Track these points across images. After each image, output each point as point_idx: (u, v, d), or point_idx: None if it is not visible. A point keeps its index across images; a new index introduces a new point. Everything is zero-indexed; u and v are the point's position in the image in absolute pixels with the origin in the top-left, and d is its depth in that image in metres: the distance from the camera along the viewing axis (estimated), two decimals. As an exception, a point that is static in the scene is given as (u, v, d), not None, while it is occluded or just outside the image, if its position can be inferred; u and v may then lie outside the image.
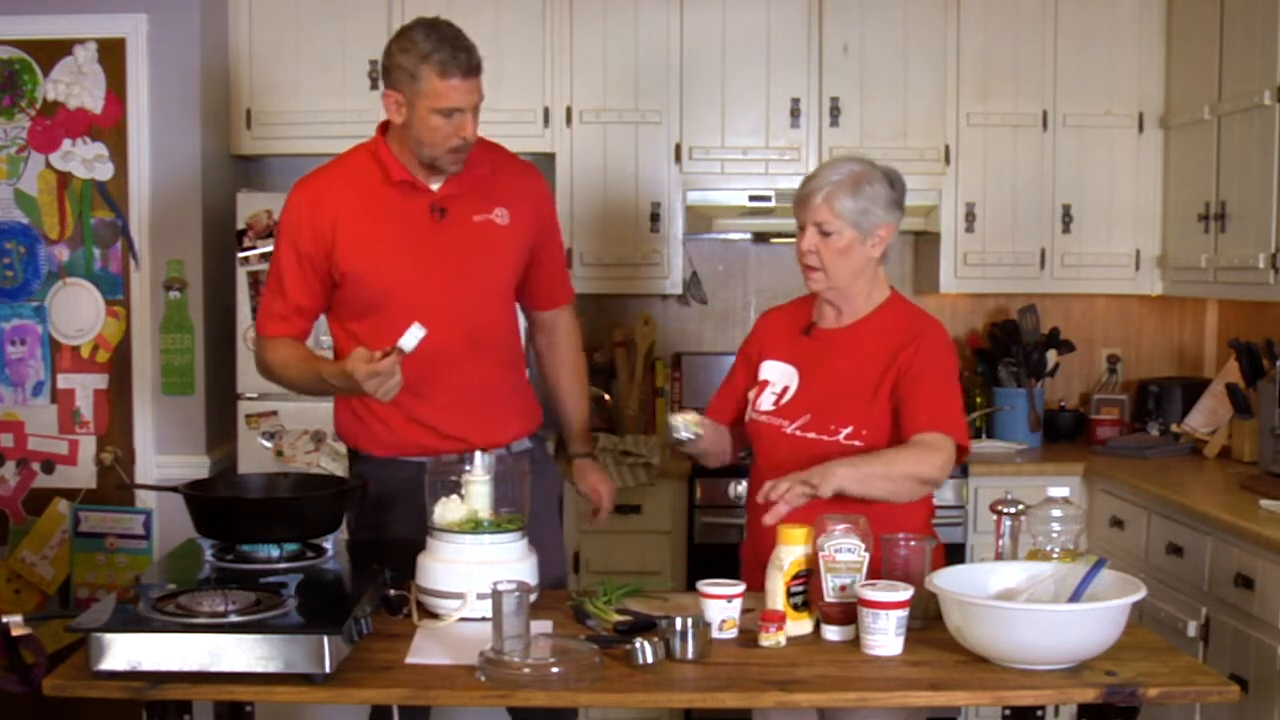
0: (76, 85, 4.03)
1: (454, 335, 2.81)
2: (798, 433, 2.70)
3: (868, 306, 2.77)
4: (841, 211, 2.66)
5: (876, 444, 2.66)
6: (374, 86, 4.30)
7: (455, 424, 2.83)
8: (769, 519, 2.46)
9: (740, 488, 3.91)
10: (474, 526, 2.50)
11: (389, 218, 2.82)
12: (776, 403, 2.76)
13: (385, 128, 2.86)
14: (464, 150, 2.77)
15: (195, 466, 3.98)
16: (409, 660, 2.25)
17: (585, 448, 3.17)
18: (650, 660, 2.20)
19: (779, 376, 2.78)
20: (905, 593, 2.28)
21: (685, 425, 2.70)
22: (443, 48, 2.69)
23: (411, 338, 2.54)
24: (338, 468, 3.99)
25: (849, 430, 2.67)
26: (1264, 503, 3.38)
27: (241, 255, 4.04)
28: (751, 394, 2.81)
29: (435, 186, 2.84)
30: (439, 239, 2.83)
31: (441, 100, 2.70)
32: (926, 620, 2.38)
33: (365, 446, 2.92)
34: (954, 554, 3.88)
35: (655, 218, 4.37)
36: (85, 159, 4.05)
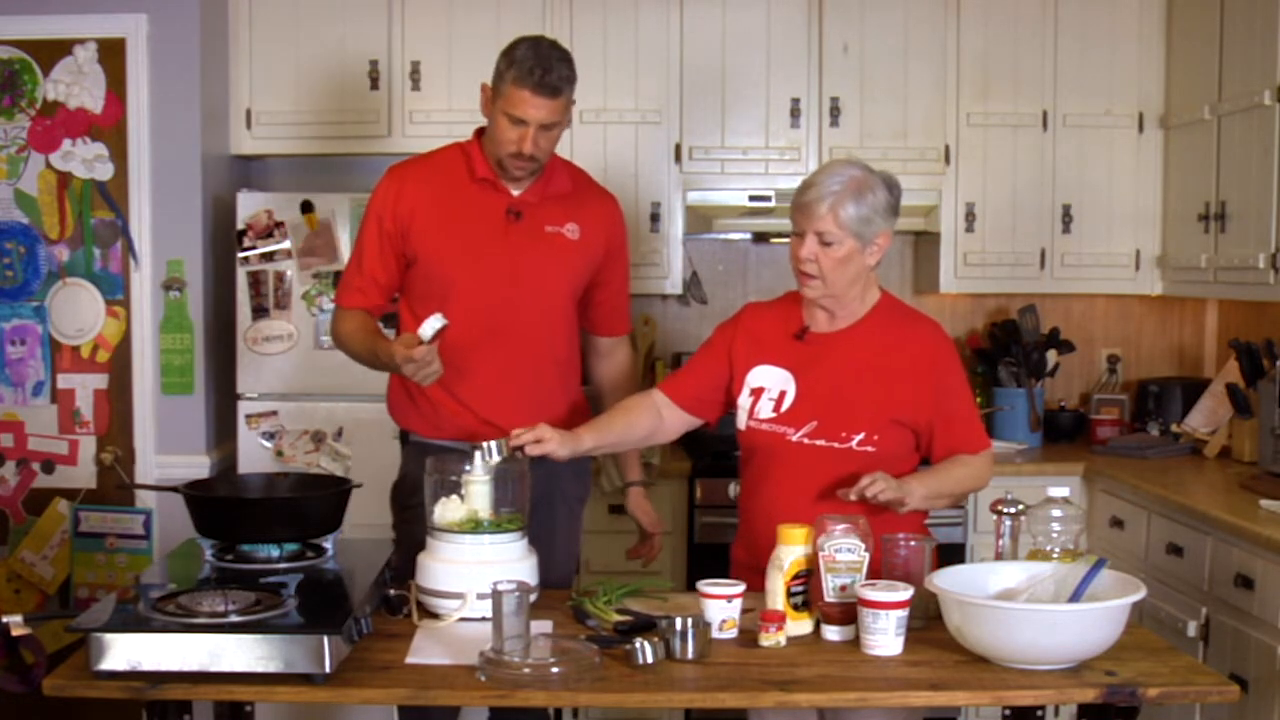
0: (76, 85, 4.03)
1: (508, 334, 2.93)
2: (805, 440, 2.68)
3: (862, 309, 2.76)
4: (845, 221, 2.63)
5: (888, 451, 2.67)
6: (374, 86, 4.31)
7: (502, 415, 2.88)
8: (851, 496, 2.53)
9: (740, 488, 3.91)
10: (474, 526, 2.50)
11: (466, 211, 2.95)
12: (776, 409, 2.73)
13: (481, 132, 3.00)
14: (524, 161, 2.88)
15: (195, 466, 3.98)
16: (409, 660, 2.26)
17: (637, 476, 3.24)
18: (650, 660, 2.21)
19: (774, 382, 2.75)
20: (905, 593, 2.29)
21: (497, 448, 2.61)
22: (528, 60, 2.82)
23: (429, 327, 2.63)
24: (338, 468, 4.00)
25: (861, 437, 2.66)
26: (1264, 503, 3.38)
27: (241, 255, 4.04)
28: (744, 401, 2.77)
29: (516, 192, 2.96)
30: (509, 240, 2.94)
31: (510, 106, 2.83)
32: (926, 620, 2.38)
33: (414, 427, 3.03)
34: (954, 554, 3.89)
35: (655, 218, 4.37)
36: (85, 159, 4.05)
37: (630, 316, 3.26)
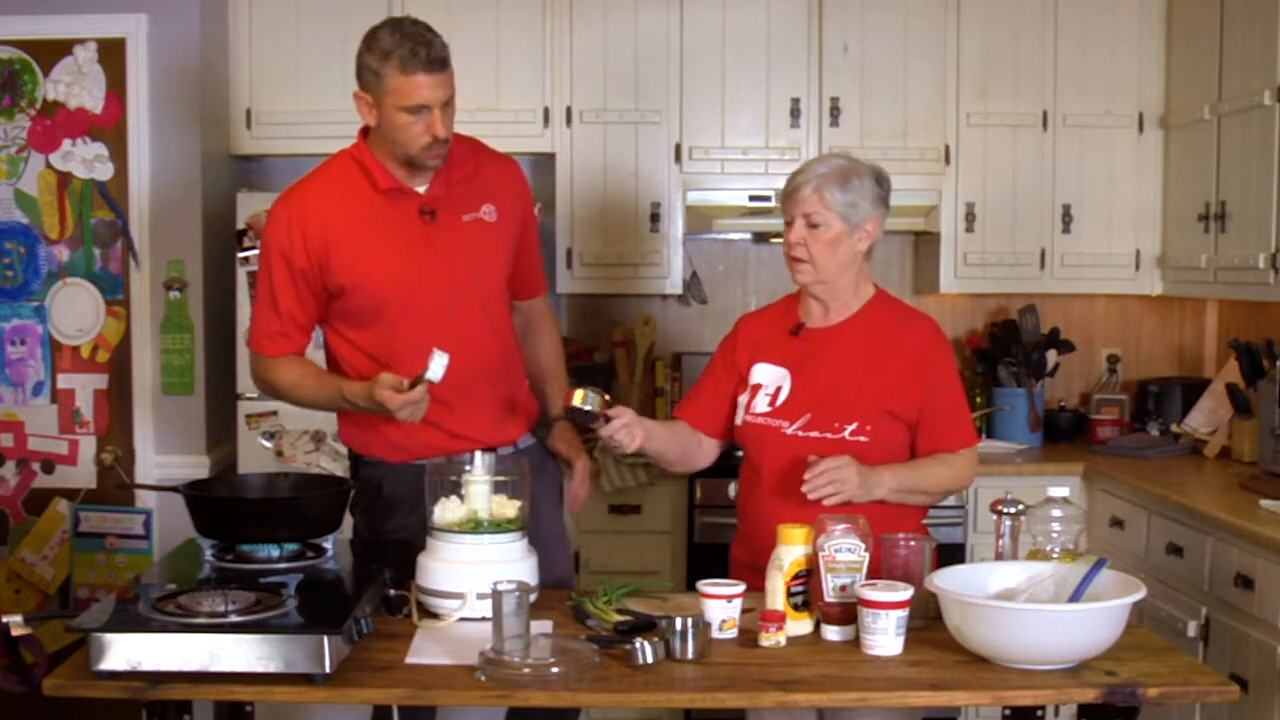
0: (76, 85, 4.03)
1: (457, 337, 2.75)
2: (799, 433, 2.70)
3: (856, 303, 2.79)
4: (830, 203, 2.68)
5: (881, 441, 2.68)
6: (374, 86, 4.30)
7: (464, 424, 2.81)
8: (814, 495, 2.55)
9: (740, 488, 3.91)
10: (474, 526, 2.50)
11: (380, 227, 2.78)
12: (771, 404, 2.75)
13: (367, 131, 2.83)
14: (440, 146, 2.72)
15: (195, 466, 3.98)
16: (409, 660, 2.26)
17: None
18: (650, 660, 2.20)
19: (770, 379, 2.78)
20: (905, 593, 2.29)
21: (590, 398, 2.61)
22: (404, 44, 2.65)
23: (438, 367, 2.52)
24: (338, 468, 3.99)
25: (853, 427, 2.68)
26: (1264, 503, 3.38)
27: (241, 255, 4.04)
28: (743, 398, 2.80)
29: (422, 189, 2.80)
30: (432, 242, 2.80)
31: (406, 98, 2.66)
32: (926, 620, 2.38)
33: (376, 452, 2.88)
34: (954, 554, 3.89)
35: (655, 218, 4.37)
36: (85, 159, 4.05)
37: (543, 271, 3.12)
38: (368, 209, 2.78)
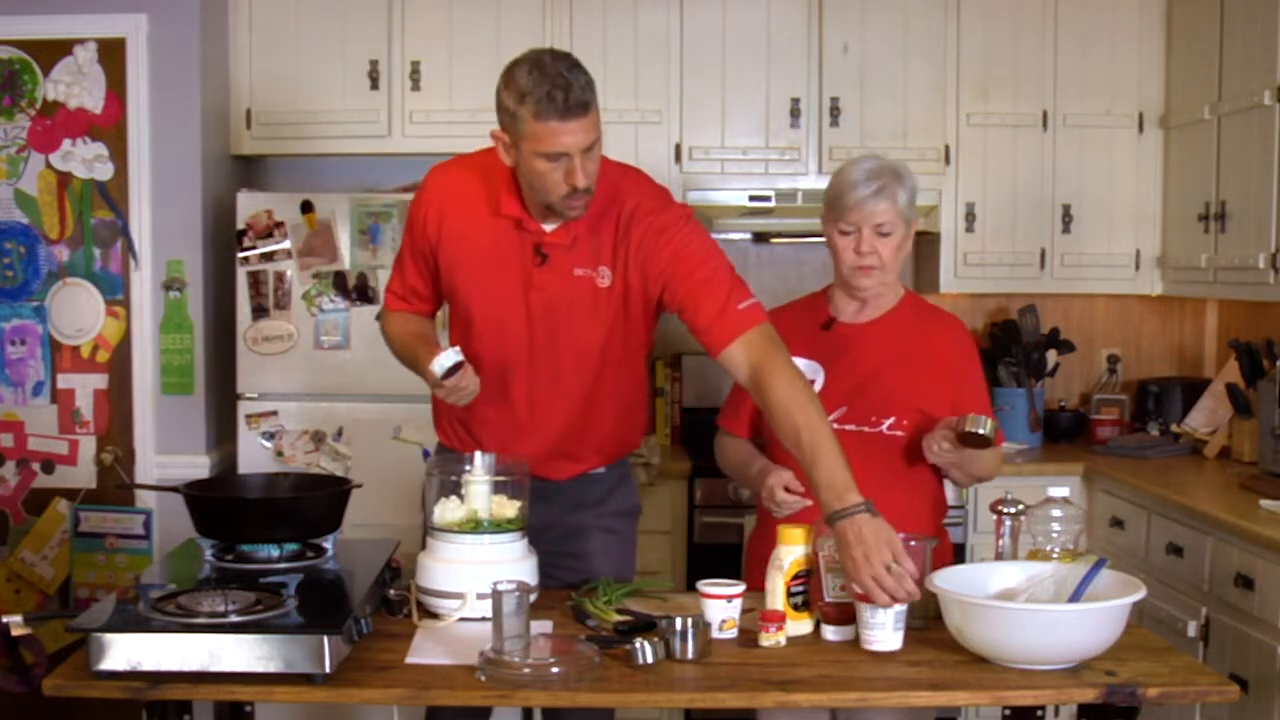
0: (76, 85, 4.03)
1: (531, 375, 2.69)
2: (835, 426, 2.68)
3: (893, 300, 2.83)
4: (901, 208, 2.73)
5: (917, 436, 2.70)
6: (374, 86, 4.31)
7: (511, 448, 2.68)
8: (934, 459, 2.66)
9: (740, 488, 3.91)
10: (474, 526, 2.50)
11: (493, 245, 2.65)
12: None
13: None
14: (582, 196, 2.52)
15: (195, 466, 3.98)
16: (409, 660, 2.26)
17: (843, 501, 2.31)
18: (650, 660, 2.20)
19: (802, 371, 2.77)
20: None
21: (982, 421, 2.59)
22: (541, 85, 2.40)
23: (439, 365, 2.47)
24: (338, 468, 4.00)
25: (891, 421, 2.71)
26: (1264, 503, 3.38)
27: (241, 255, 4.04)
28: None
29: (550, 227, 2.62)
30: (533, 282, 2.64)
31: (543, 144, 2.44)
32: (926, 620, 2.38)
33: (441, 438, 2.90)
34: (954, 554, 3.89)
35: (655, 218, 4.36)
36: (85, 159, 4.05)
37: (737, 311, 2.56)
38: (488, 223, 2.65)
